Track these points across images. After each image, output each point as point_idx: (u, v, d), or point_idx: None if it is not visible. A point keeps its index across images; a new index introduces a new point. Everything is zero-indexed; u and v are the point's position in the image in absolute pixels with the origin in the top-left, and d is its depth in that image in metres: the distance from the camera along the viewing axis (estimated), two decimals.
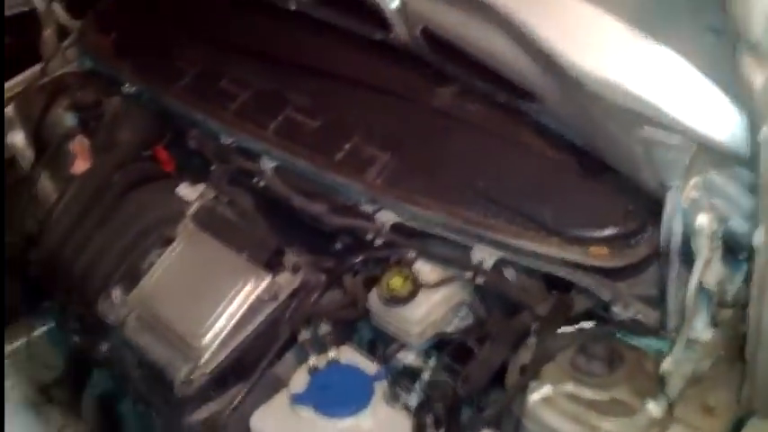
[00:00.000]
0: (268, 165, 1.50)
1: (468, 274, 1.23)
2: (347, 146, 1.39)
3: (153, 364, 1.40)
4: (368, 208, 1.34)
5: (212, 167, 1.62)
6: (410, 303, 1.24)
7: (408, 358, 1.28)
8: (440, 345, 1.30)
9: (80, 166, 1.78)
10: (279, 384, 1.29)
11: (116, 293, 1.51)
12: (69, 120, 1.85)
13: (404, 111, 1.42)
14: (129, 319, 1.46)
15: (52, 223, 1.63)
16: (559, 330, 1.14)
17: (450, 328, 1.29)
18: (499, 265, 1.22)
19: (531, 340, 1.16)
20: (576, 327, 1.14)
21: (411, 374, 1.26)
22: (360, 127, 1.43)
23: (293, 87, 1.53)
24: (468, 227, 1.22)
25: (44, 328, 1.77)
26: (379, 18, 1.31)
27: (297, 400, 1.19)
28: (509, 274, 1.26)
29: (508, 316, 1.22)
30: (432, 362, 1.27)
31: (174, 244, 1.50)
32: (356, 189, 1.34)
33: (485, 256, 1.23)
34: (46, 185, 1.85)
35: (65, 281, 1.61)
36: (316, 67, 1.54)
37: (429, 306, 1.24)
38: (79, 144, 1.84)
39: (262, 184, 1.49)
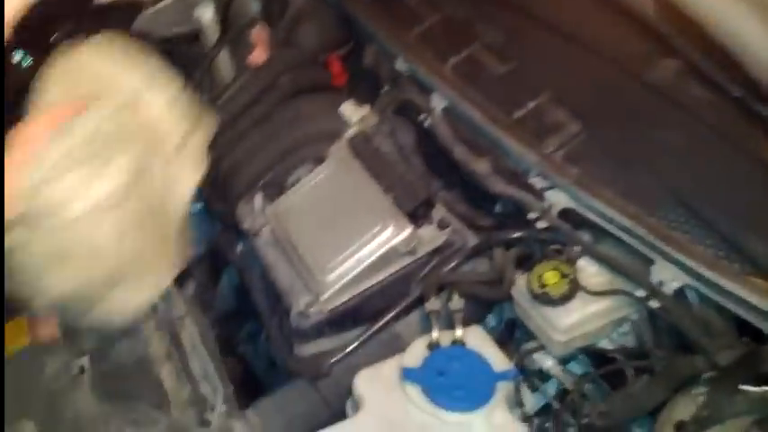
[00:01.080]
0: (438, 103, 1.26)
1: (642, 293, 0.95)
2: (531, 104, 1.13)
3: (275, 285, 1.23)
4: (538, 182, 1.09)
5: (382, 91, 1.40)
6: (562, 306, 0.99)
7: (546, 363, 1.06)
8: (586, 354, 1.05)
9: (257, 56, 1.64)
10: (397, 344, 1.10)
11: (257, 200, 1.36)
12: (254, 7, 1.68)
13: (610, 77, 1.13)
14: (263, 231, 1.30)
15: (215, 110, 1.48)
16: (739, 389, 0.85)
17: (604, 342, 1.03)
18: (682, 292, 0.93)
19: (699, 390, 0.88)
20: (763, 390, 0.85)
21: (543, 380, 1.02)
22: (552, 84, 1.15)
23: (488, 20, 1.27)
24: (654, 238, 0.94)
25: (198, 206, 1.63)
26: None
27: (408, 375, 0.99)
28: (691, 297, 0.97)
29: (678, 352, 0.94)
30: (570, 373, 1.01)
31: (324, 165, 1.32)
32: (530, 158, 1.08)
33: (667, 277, 0.95)
34: (221, 68, 1.71)
35: (212, 172, 1.46)
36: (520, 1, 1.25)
37: (584, 315, 0.99)
38: (258, 34, 1.68)
39: (427, 123, 1.25)
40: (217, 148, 1.41)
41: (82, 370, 1.09)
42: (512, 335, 1.16)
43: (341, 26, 1.58)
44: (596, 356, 1.04)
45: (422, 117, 1.29)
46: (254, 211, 1.35)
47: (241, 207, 1.38)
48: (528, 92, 1.15)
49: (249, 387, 1.25)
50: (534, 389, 1.07)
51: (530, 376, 1.08)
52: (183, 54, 1.73)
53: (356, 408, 1.03)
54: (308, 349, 1.21)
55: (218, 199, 1.45)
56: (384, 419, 0.99)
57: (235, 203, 1.39)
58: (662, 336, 0.99)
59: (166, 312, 1.28)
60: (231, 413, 1.16)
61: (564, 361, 1.07)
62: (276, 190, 1.36)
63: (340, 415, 1.06)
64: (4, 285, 0.98)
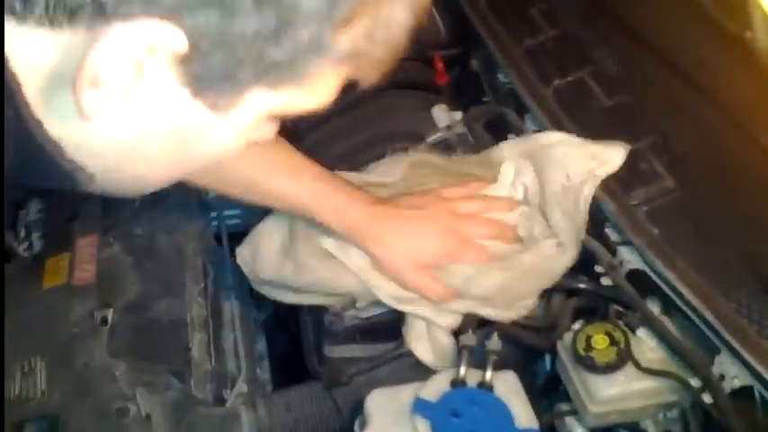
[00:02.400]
0: (529, 126, 1.18)
1: (698, 382, 0.86)
2: (632, 147, 1.03)
3: None
4: (613, 234, 0.99)
5: (484, 99, 1.35)
6: (604, 375, 0.91)
7: (576, 431, 0.96)
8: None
9: None
10: (425, 371, 1.06)
11: None
12: None
13: (725, 135, 1.02)
14: None
15: None
16: None
17: (648, 423, 0.94)
18: (747, 392, 0.84)
19: None
20: None
21: None
22: (657, 129, 1.06)
23: (605, 45, 1.17)
24: (721, 325, 0.84)
25: None
26: None
27: (419, 408, 0.94)
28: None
29: None
30: None
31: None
32: (609, 206, 0.99)
33: (730, 372, 0.84)
34: None
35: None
36: (649, 30, 1.16)
37: (627, 391, 0.92)
38: None
39: None
40: (301, 126, 1.41)
41: (105, 321, 1.11)
42: (556, 389, 1.08)
43: (454, 26, 1.53)
44: None
45: (511, 136, 1.23)
46: None
47: None
48: (628, 133, 1.06)
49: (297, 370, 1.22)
50: None
51: None
52: None
53: (362, 426, 0.99)
54: (336, 352, 1.18)
55: None
56: None
57: None
58: None
59: (215, 280, 1.27)
60: (248, 396, 1.15)
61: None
62: None
63: (348, 428, 1.03)
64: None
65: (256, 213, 1.25)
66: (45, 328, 1.11)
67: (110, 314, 1.13)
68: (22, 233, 1.28)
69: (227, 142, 0.62)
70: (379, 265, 1.00)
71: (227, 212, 1.39)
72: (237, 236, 1.26)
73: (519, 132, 1.21)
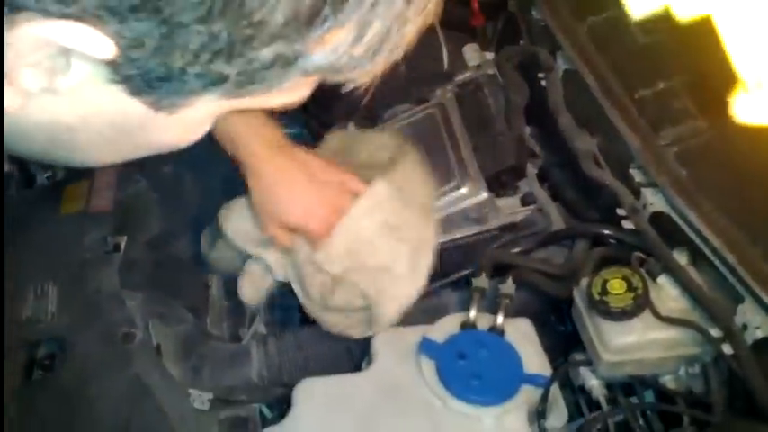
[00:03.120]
0: (561, 64, 1.13)
1: (718, 332, 0.82)
2: (661, 85, 0.99)
3: None
4: (637, 175, 0.95)
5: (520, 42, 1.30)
6: (619, 322, 0.87)
7: (590, 381, 0.94)
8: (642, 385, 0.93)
9: None
10: (440, 317, 1.02)
11: (351, 127, 1.30)
12: None
13: None
14: None
15: None
16: None
17: (667, 378, 0.90)
18: (766, 344, 0.79)
19: None
20: None
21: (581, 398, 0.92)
22: (693, 69, 1.00)
23: None
24: (746, 271, 0.79)
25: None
26: None
27: (426, 347, 0.93)
28: None
29: (744, 413, 0.80)
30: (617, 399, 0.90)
31: (423, 106, 1.24)
32: (635, 144, 0.94)
33: (753, 321, 0.80)
34: None
35: (317, 93, 1.43)
36: None
37: (643, 339, 0.88)
38: None
39: (544, 83, 1.14)
40: None
41: (117, 248, 1.11)
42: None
43: None
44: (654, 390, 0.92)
45: (541, 75, 1.18)
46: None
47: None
48: (662, 70, 1.01)
49: None
50: (572, 405, 0.96)
51: (573, 391, 0.97)
52: None
53: (368, 364, 0.98)
54: None
55: (315, 122, 1.42)
56: (388, 385, 0.93)
57: (327, 129, 1.35)
58: (732, 388, 0.84)
59: None
60: (264, 335, 1.15)
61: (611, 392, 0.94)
62: (370, 123, 1.30)
63: (358, 369, 1.02)
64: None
65: None
66: (59, 253, 1.13)
67: (123, 241, 1.13)
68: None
69: (180, 136, 0.55)
70: (254, 204, 1.03)
71: None
72: None
73: (549, 71, 1.15)
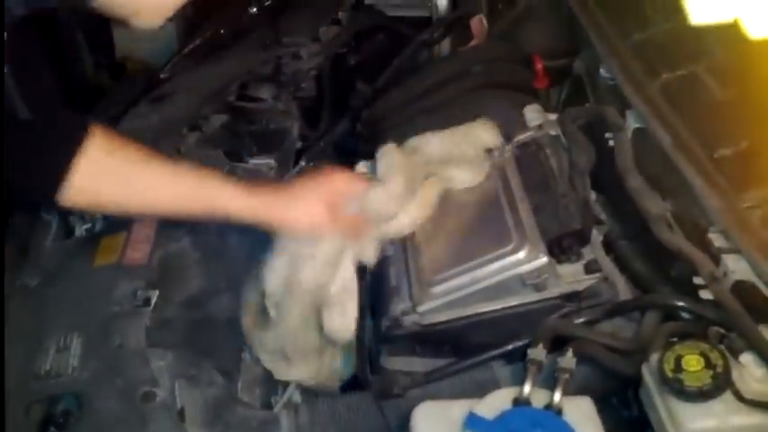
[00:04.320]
0: (631, 123, 1.06)
1: None
2: (743, 144, 0.90)
3: (385, 281, 1.13)
4: (717, 239, 0.86)
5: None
6: (696, 404, 0.76)
7: None
8: None
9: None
10: (485, 386, 0.95)
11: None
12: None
13: None
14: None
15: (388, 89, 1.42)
16: None
17: None
18: None
19: None
20: None
21: None
22: None
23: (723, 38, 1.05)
24: None
25: None
26: None
27: (472, 424, 0.83)
28: None
29: None
30: None
31: None
32: (715, 205, 0.85)
33: None
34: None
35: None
36: None
37: (723, 425, 0.78)
38: (477, 25, 1.61)
39: (610, 143, 1.07)
40: (387, 128, 1.36)
41: (147, 302, 1.07)
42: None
43: (564, 36, 1.45)
44: None
45: (609, 135, 1.11)
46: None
47: None
48: (743, 128, 0.93)
49: None
50: None
51: None
52: (406, 36, 1.72)
53: None
54: (392, 364, 1.09)
55: None
56: None
57: None
58: None
59: None
60: (294, 403, 1.08)
61: None
62: None
63: None
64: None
65: None
66: (87, 305, 1.09)
67: (154, 296, 1.09)
68: (87, 215, 1.28)
69: None
70: (294, 229, 1.06)
71: None
72: None
73: (619, 130, 1.09)
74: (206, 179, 1.02)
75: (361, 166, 1.22)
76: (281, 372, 1.08)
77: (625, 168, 1.01)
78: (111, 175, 0.95)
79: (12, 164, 0.87)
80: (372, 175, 1.15)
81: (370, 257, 1.09)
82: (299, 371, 1.07)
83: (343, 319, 1.05)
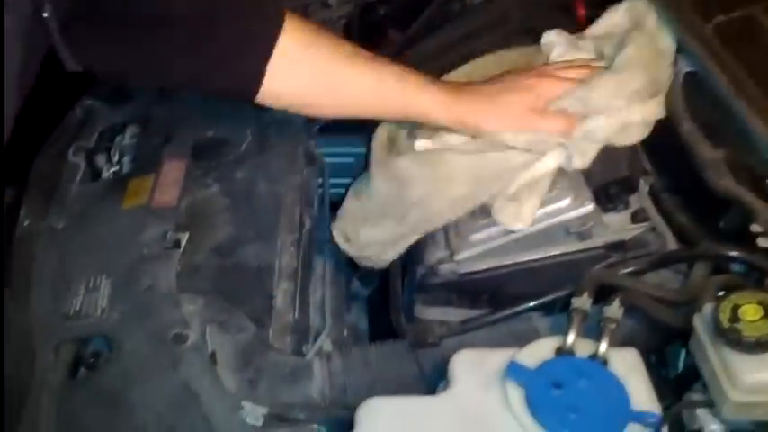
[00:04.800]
0: (682, 67, 1.01)
1: None
2: None
3: None
4: None
5: None
6: (754, 355, 0.73)
7: (710, 426, 0.80)
8: None
9: None
10: (524, 338, 0.90)
11: None
12: None
13: None
14: None
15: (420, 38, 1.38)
16: None
17: None
18: None
19: None
20: None
21: None
22: None
23: None
24: None
25: None
26: None
27: (513, 373, 0.80)
28: None
29: None
30: None
31: None
32: None
33: None
34: None
35: None
36: None
37: None
38: None
39: None
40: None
41: (177, 245, 1.05)
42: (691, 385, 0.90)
43: None
44: None
45: None
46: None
47: None
48: None
49: None
50: None
51: None
52: None
53: (444, 389, 0.87)
54: (428, 314, 1.06)
55: None
56: (467, 412, 0.82)
57: None
58: None
59: (310, 231, 1.19)
60: (327, 351, 1.06)
61: None
62: None
63: (430, 393, 0.90)
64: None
65: None
66: (115, 248, 1.07)
67: (184, 238, 1.07)
68: (116, 157, 1.26)
69: None
70: (494, 131, 0.98)
71: (336, 180, 1.34)
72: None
73: None
74: (407, 78, 0.97)
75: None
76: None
77: (677, 113, 0.97)
78: (307, 70, 0.93)
79: (207, 61, 0.84)
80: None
81: (584, 160, 0.98)
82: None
83: (519, 213, 0.99)
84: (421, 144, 1.01)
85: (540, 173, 0.99)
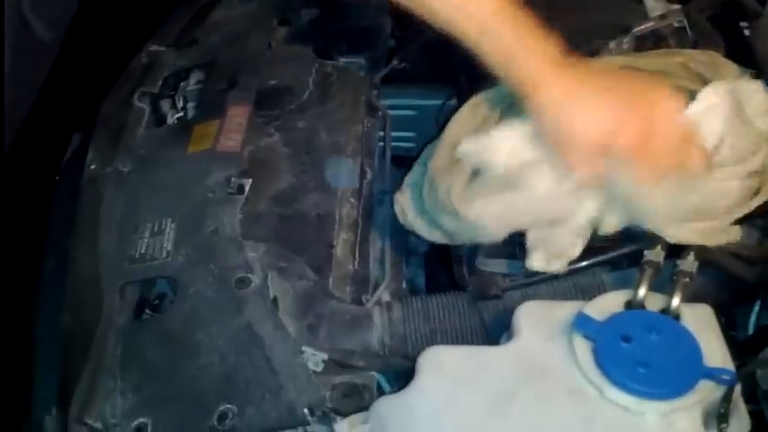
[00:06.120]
0: None
1: None
2: None
3: None
4: None
5: None
6: None
7: None
8: None
9: None
10: (589, 293, 0.90)
11: None
12: None
13: None
14: None
15: None
16: None
17: None
18: None
19: None
20: None
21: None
22: None
23: None
24: None
25: None
26: None
27: (581, 324, 0.79)
28: None
29: None
30: None
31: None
32: None
33: None
34: None
35: None
36: None
37: None
38: None
39: (747, 32, 0.98)
40: None
41: (240, 190, 1.05)
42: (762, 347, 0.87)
43: None
44: None
45: (744, 24, 1.01)
46: None
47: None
48: None
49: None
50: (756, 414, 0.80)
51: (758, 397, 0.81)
52: None
53: (509, 339, 0.86)
54: (490, 266, 1.05)
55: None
56: (531, 364, 0.81)
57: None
58: None
59: (372, 183, 1.19)
60: (386, 302, 1.06)
61: None
62: None
63: (492, 345, 0.90)
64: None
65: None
66: (180, 191, 1.08)
67: (247, 184, 1.07)
68: (180, 102, 1.27)
69: None
70: (544, 125, 0.86)
71: (398, 134, 1.33)
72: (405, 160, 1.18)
73: (755, 19, 0.99)
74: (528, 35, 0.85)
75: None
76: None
77: (765, 58, 0.92)
78: None
79: None
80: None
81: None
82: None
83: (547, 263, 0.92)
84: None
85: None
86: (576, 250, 0.90)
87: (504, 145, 0.91)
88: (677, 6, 1.14)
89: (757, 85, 0.89)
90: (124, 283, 0.99)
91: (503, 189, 0.91)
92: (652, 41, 1.10)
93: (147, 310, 0.97)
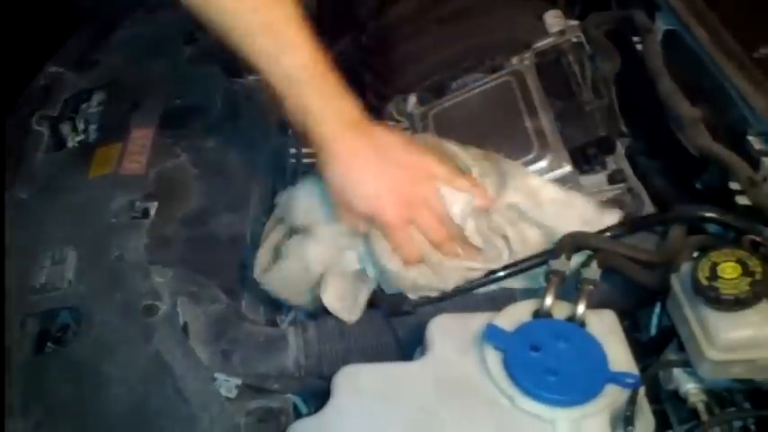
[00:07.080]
0: (660, 25, 1.01)
1: None
2: None
3: None
4: (757, 143, 0.82)
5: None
6: (732, 313, 0.74)
7: (686, 386, 0.80)
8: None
9: None
10: (500, 302, 0.91)
11: (411, 102, 1.21)
12: None
13: None
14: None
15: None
16: None
17: None
18: None
19: None
20: None
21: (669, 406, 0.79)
22: None
23: None
24: None
25: None
26: None
27: (491, 336, 0.81)
28: None
29: None
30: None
31: (497, 75, 1.13)
32: (758, 105, 0.81)
33: None
34: None
35: (379, 64, 1.35)
36: None
37: (760, 335, 0.73)
38: None
39: (639, 47, 1.02)
40: (397, 40, 1.30)
41: (146, 214, 1.03)
42: (663, 348, 0.91)
43: None
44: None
45: (636, 39, 1.06)
46: (409, 110, 1.21)
47: (396, 102, 1.25)
48: None
49: None
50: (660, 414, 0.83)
51: (662, 398, 0.84)
52: None
53: (422, 354, 0.87)
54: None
55: (373, 95, 1.33)
56: (445, 378, 0.82)
57: (391, 96, 1.26)
58: None
59: None
60: (301, 321, 1.05)
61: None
62: (435, 93, 1.20)
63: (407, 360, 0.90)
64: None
65: None
66: (83, 217, 1.05)
67: (153, 208, 1.05)
68: (81, 125, 1.23)
69: None
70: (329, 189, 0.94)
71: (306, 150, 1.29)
72: None
73: (646, 34, 1.03)
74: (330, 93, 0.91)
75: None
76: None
77: (656, 71, 0.97)
78: None
79: None
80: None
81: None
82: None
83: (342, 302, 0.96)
84: None
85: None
86: (362, 297, 0.94)
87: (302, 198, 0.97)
88: (575, 22, 1.18)
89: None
90: (24, 315, 0.95)
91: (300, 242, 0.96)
92: (554, 55, 1.13)
93: (50, 343, 0.94)
